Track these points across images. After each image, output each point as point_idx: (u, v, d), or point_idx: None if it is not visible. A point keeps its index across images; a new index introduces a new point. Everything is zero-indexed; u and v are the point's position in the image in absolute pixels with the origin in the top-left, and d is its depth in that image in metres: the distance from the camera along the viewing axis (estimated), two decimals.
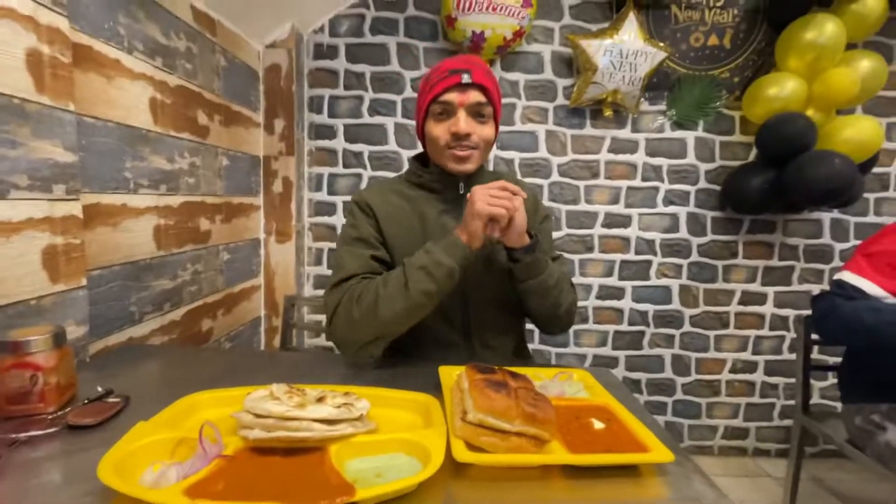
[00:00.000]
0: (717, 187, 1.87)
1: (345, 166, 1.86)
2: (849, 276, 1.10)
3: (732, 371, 1.97)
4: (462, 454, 0.51)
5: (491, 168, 1.78)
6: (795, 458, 1.47)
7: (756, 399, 1.98)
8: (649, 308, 1.93)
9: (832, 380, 1.96)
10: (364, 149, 1.85)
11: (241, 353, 1.14)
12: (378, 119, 1.84)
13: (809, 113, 1.65)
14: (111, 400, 0.65)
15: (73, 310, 0.81)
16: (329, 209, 1.88)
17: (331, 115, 1.84)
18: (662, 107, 1.84)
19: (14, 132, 0.70)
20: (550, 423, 0.54)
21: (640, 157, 1.86)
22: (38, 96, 0.73)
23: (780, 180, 1.64)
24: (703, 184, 1.87)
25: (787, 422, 1.99)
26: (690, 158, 1.86)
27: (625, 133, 1.85)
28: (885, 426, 1.10)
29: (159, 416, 0.57)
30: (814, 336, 1.44)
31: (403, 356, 0.90)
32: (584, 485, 0.51)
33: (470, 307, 0.91)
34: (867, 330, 1.01)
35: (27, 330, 0.64)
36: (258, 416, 0.52)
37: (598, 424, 0.61)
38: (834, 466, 1.93)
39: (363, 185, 1.86)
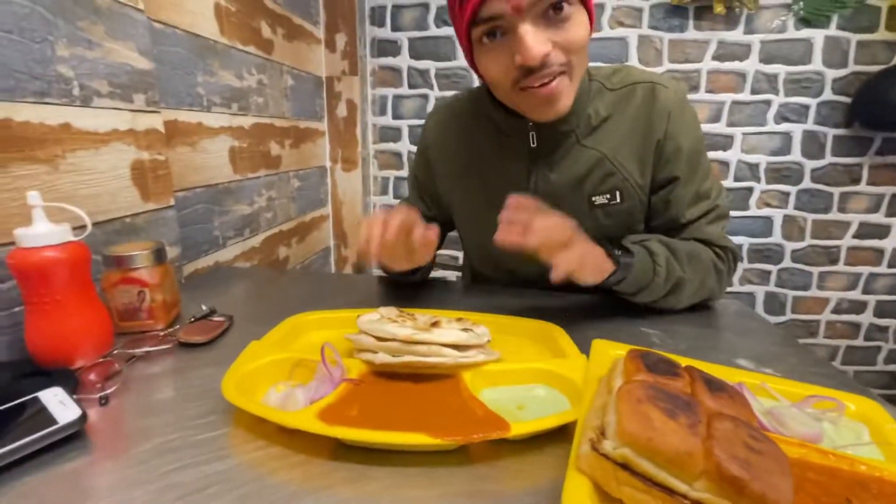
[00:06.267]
0: (846, 99, 1.57)
1: (410, 86, 1.72)
2: None
3: (835, 311, 1.78)
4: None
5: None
6: None
7: (860, 342, 1.80)
8: (745, 241, 1.74)
9: None
10: (430, 66, 1.69)
11: (323, 277, 1.12)
12: (445, 30, 1.65)
13: None
14: (216, 318, 0.62)
15: (165, 230, 0.79)
16: (394, 135, 1.78)
17: (394, 28, 1.68)
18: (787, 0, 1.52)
19: (88, 30, 0.63)
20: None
21: (751, 65, 1.58)
22: None
23: None
24: (828, 95, 1.58)
25: (893, 367, 1.81)
26: (816, 64, 1.56)
27: (735, 35, 1.57)
28: None
29: (269, 336, 0.53)
30: None
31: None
32: None
33: None
34: None
35: (127, 246, 0.61)
36: (380, 339, 0.46)
37: None
38: None
39: (430, 107, 1.73)
